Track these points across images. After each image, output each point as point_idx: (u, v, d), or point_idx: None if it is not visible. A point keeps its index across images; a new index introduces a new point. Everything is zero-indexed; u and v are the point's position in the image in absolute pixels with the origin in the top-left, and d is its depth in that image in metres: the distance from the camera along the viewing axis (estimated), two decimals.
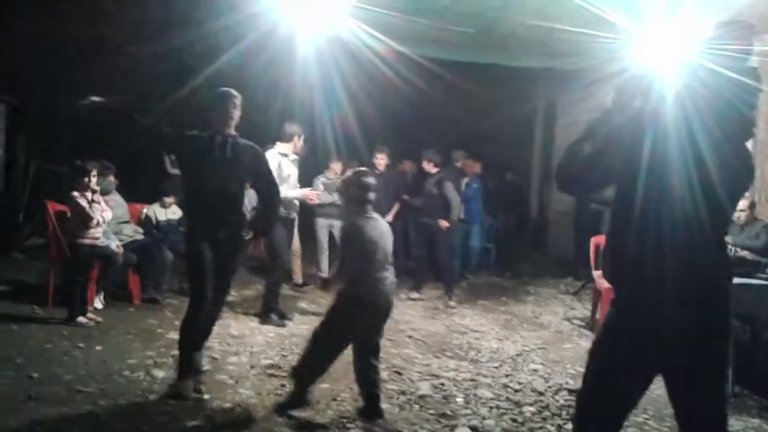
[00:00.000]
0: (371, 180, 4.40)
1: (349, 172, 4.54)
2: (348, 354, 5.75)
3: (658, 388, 5.44)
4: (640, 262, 2.38)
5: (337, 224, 8.92)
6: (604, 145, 2.42)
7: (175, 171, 10.13)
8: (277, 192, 5.09)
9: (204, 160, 4.54)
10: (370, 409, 4.32)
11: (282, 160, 6.78)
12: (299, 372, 4.33)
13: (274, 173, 6.57)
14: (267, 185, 4.91)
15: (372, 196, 4.35)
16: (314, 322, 6.85)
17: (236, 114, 4.61)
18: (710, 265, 2.43)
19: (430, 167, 8.63)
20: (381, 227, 4.33)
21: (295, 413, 4.30)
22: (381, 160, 9.00)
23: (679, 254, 2.35)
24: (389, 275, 4.30)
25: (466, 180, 10.06)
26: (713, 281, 2.45)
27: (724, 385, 2.55)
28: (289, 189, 6.78)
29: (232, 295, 7.96)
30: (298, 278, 8.73)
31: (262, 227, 5.12)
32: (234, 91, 4.64)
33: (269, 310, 6.73)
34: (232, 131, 4.62)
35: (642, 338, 2.38)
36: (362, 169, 4.59)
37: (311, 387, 4.35)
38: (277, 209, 5.53)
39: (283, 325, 6.62)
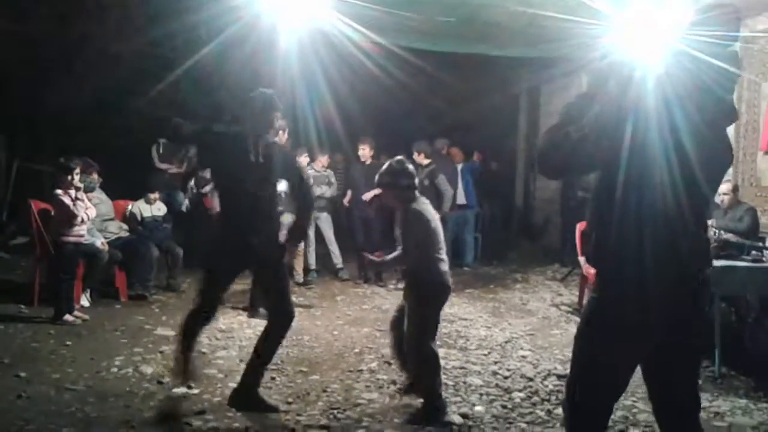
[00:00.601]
0: (413, 167, 4.46)
1: (392, 163, 4.44)
2: (338, 346, 5.76)
3: None
4: (625, 246, 2.39)
5: (323, 216, 8.91)
6: (586, 131, 2.40)
7: (164, 166, 10.17)
8: (312, 197, 4.84)
9: (240, 162, 4.24)
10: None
11: None
12: (426, 387, 4.26)
13: None
14: (304, 190, 4.60)
15: (417, 182, 4.41)
16: (302, 314, 6.89)
17: (277, 124, 4.50)
18: (694, 249, 2.45)
19: (420, 159, 8.61)
20: (434, 212, 4.39)
21: (284, 408, 4.31)
22: (365, 152, 8.97)
23: (663, 239, 2.36)
24: (446, 258, 4.36)
25: (460, 166, 10.14)
26: (696, 265, 2.47)
27: (700, 365, 2.62)
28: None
29: None
30: (299, 277, 8.57)
31: (297, 235, 4.68)
32: (277, 99, 4.44)
33: (257, 304, 6.71)
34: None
35: (627, 322, 2.39)
36: (400, 158, 4.57)
37: (440, 390, 4.29)
38: (311, 214, 5.40)
39: None
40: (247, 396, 4.25)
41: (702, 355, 2.54)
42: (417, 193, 4.36)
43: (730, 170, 7.51)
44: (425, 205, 4.33)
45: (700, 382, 2.58)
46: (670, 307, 2.38)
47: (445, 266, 4.30)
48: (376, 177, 4.46)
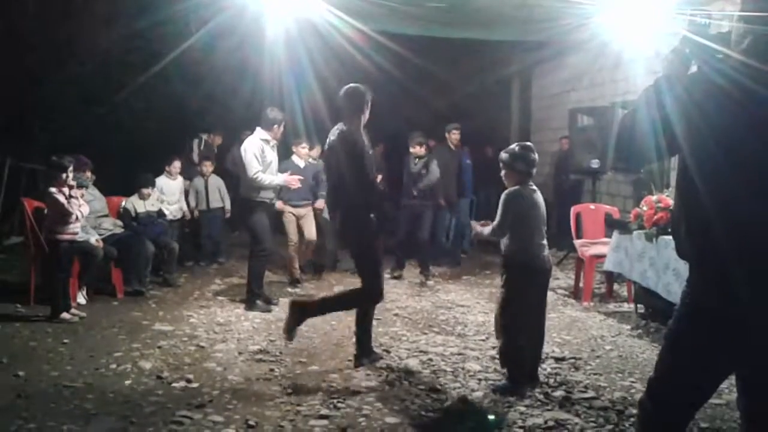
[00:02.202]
0: (536, 157, 4.63)
1: (516, 146, 4.69)
2: (336, 336, 5.77)
3: (642, 352, 5.49)
4: (717, 238, 2.18)
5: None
6: (657, 119, 2.26)
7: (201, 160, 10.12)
8: None
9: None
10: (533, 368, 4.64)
11: (264, 146, 6.70)
12: (507, 359, 4.53)
13: (257, 159, 6.55)
14: None
15: (534, 171, 4.60)
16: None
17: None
18: None
19: (417, 150, 8.51)
20: (538, 198, 4.57)
21: (283, 399, 4.33)
22: None
23: (755, 228, 2.14)
24: (545, 242, 4.57)
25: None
26: None
27: None
28: (272, 175, 6.73)
29: (216, 283, 7.97)
30: (296, 272, 8.08)
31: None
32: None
33: (254, 297, 6.72)
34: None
35: (721, 320, 2.21)
36: (528, 144, 4.77)
37: (524, 366, 4.52)
38: None
39: (269, 311, 6.62)
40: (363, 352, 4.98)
41: None
42: (530, 180, 4.57)
43: None
44: (529, 191, 4.52)
45: None
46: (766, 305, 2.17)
47: (538, 250, 4.49)
48: (501, 152, 4.71)
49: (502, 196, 4.55)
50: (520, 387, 4.42)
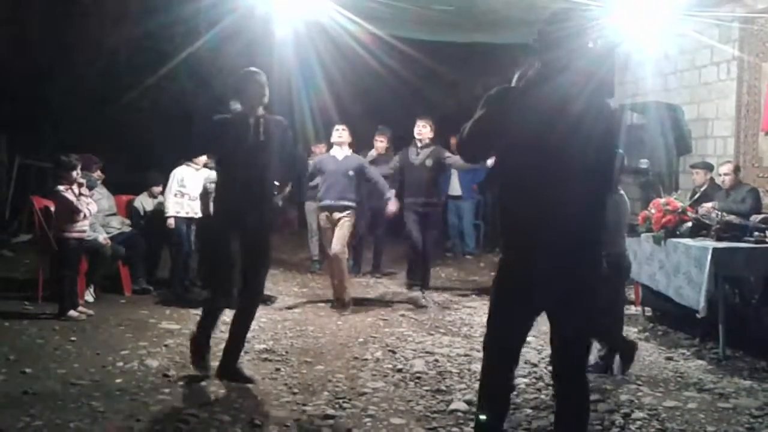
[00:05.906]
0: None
1: None
2: (342, 336, 5.77)
3: (649, 354, 5.47)
4: (527, 220, 2.78)
5: None
6: (491, 120, 2.82)
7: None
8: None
9: (240, 144, 4.44)
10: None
11: None
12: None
13: None
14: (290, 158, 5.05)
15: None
16: (306, 305, 6.92)
17: (267, 93, 4.53)
18: (586, 221, 2.79)
19: (423, 134, 8.34)
20: None
21: (289, 398, 4.33)
22: (381, 143, 8.76)
23: (560, 213, 2.70)
24: None
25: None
26: (587, 236, 2.82)
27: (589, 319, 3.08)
28: None
29: None
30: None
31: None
32: (260, 71, 4.55)
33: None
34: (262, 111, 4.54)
35: (522, 280, 2.86)
36: None
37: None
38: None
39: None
40: (228, 368, 4.60)
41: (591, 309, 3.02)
42: None
43: (732, 151, 7.51)
44: None
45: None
46: (566, 273, 2.77)
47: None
48: None
49: None
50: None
